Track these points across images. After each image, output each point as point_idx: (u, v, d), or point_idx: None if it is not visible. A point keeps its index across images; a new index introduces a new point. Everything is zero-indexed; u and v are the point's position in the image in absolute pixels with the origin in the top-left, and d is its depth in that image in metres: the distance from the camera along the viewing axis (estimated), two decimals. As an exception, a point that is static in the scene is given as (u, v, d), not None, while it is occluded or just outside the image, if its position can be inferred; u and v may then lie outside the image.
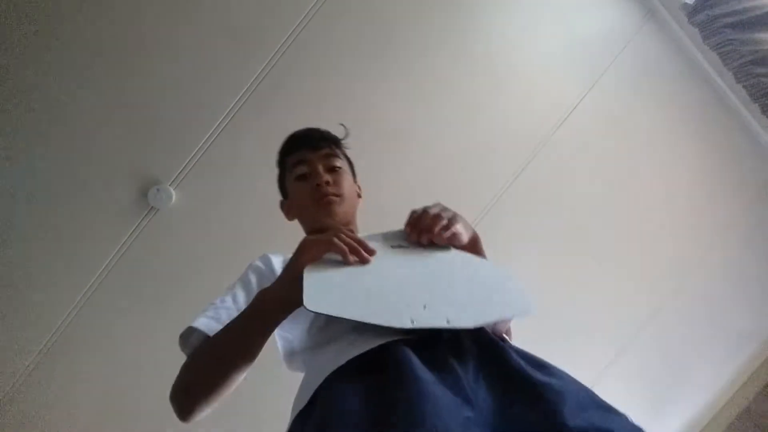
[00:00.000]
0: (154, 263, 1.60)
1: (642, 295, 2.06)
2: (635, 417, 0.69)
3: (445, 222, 0.77)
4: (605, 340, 2.05)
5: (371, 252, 0.71)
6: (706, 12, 1.64)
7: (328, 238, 0.70)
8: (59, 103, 1.46)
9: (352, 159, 1.27)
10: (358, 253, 0.69)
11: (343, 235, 0.71)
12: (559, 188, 1.86)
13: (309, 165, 1.00)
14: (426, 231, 0.76)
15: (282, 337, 0.91)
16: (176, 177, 1.56)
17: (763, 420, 2.25)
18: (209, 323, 0.83)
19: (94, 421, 1.66)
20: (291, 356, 0.90)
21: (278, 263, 0.97)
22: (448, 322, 0.63)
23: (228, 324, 0.76)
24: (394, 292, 0.68)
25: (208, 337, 0.81)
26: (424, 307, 0.66)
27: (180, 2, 1.48)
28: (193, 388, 0.82)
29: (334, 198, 0.96)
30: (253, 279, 0.93)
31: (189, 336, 0.85)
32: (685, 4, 1.70)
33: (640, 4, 1.78)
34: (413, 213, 0.81)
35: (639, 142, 1.91)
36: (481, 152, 1.77)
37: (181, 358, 0.85)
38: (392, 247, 0.79)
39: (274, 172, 1.69)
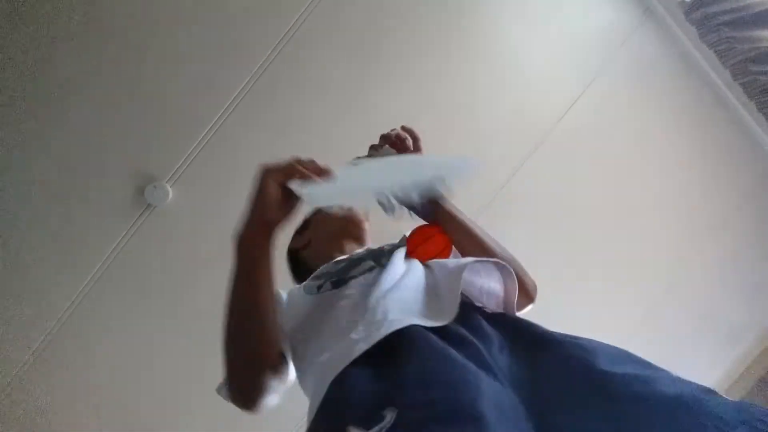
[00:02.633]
0: (151, 260, 1.60)
1: (637, 291, 2.07)
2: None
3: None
4: (600, 336, 2.06)
5: (328, 169, 0.73)
6: (703, 10, 1.65)
7: (287, 163, 0.72)
8: (56, 101, 1.45)
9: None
10: (321, 170, 0.72)
11: (297, 161, 0.72)
12: (556, 185, 1.87)
13: None
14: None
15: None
16: (173, 174, 1.56)
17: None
18: None
19: (90, 418, 1.66)
20: (298, 358, 0.78)
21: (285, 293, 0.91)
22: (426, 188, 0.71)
23: (229, 291, 0.72)
24: (372, 181, 0.75)
25: None
26: (401, 188, 0.72)
27: (178, 2, 1.47)
28: (237, 370, 0.73)
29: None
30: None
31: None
32: (683, 2, 1.70)
33: (638, 2, 1.78)
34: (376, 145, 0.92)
35: (636, 139, 1.92)
36: (478, 149, 1.77)
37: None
38: (348, 163, 0.85)
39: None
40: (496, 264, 0.71)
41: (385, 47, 1.64)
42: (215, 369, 1.84)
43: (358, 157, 0.91)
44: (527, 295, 0.84)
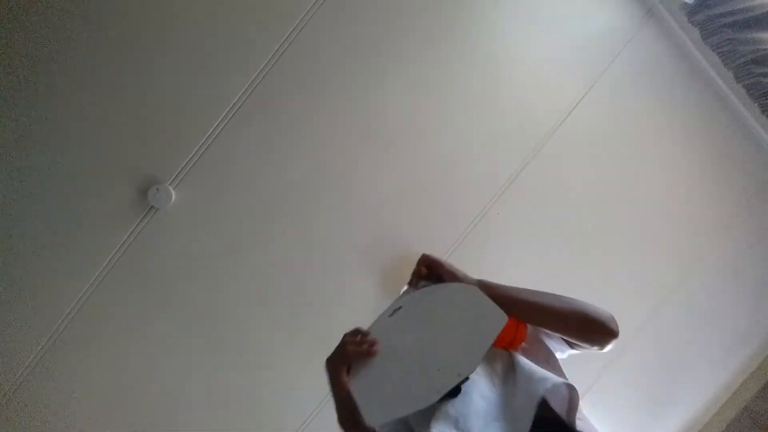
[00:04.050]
0: (153, 263, 1.60)
1: (640, 295, 2.06)
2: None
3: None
4: (605, 340, 2.05)
5: (374, 342, 0.88)
6: (706, 11, 1.64)
7: (340, 352, 0.89)
8: (59, 103, 1.46)
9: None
10: (368, 349, 0.87)
11: (349, 342, 0.89)
12: (558, 188, 1.86)
13: None
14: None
15: None
16: (176, 176, 1.56)
17: (762, 419, 2.26)
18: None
19: (93, 420, 1.66)
20: None
21: None
22: (459, 376, 0.78)
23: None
24: (415, 373, 0.84)
25: None
26: (438, 370, 0.81)
27: (180, 3, 1.48)
28: None
29: None
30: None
31: None
32: (685, 3, 1.70)
33: (640, 4, 1.78)
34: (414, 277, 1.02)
35: (638, 141, 1.91)
36: (481, 151, 1.77)
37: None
38: (390, 317, 0.96)
39: (274, 171, 1.70)
40: (566, 385, 0.80)
41: (387, 51, 1.64)
42: (217, 371, 1.85)
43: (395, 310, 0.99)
44: (606, 330, 0.91)
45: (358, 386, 0.86)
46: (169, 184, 1.56)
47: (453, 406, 0.80)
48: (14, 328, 1.55)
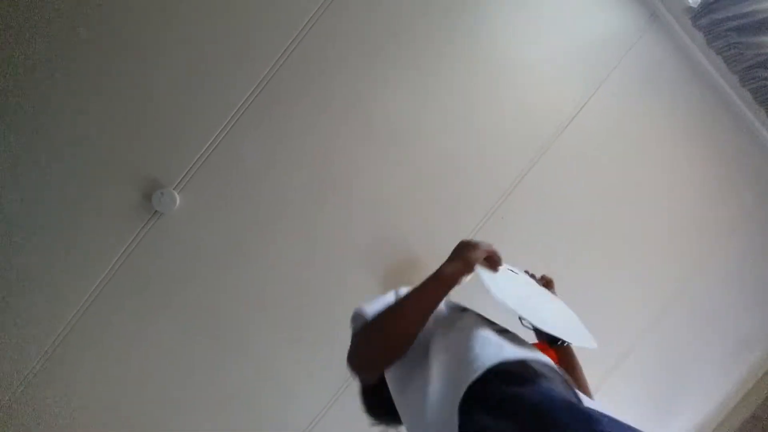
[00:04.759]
0: (158, 267, 1.61)
1: (645, 300, 2.05)
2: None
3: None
4: (608, 345, 2.04)
5: (500, 259, 0.99)
6: (711, 15, 1.64)
7: (487, 246, 0.97)
8: (63, 107, 1.47)
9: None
10: (498, 260, 0.98)
11: (487, 245, 0.98)
12: (562, 191, 1.86)
13: None
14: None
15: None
16: (180, 181, 1.57)
17: (770, 426, 2.23)
18: (371, 310, 0.99)
19: (98, 423, 1.66)
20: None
21: None
22: (579, 338, 0.99)
23: (402, 299, 0.94)
24: (542, 310, 1.02)
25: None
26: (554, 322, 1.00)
27: (184, 7, 1.48)
28: (371, 350, 0.93)
29: None
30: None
31: (356, 318, 1.00)
32: (690, 7, 1.70)
33: (644, 7, 1.78)
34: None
35: (643, 145, 1.91)
36: (486, 154, 1.77)
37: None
38: (508, 268, 1.06)
39: (278, 175, 1.70)
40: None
41: (391, 55, 1.64)
42: (221, 373, 1.84)
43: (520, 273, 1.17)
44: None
45: (485, 274, 0.94)
46: (174, 189, 1.56)
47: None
48: (18, 332, 1.56)
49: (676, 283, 2.06)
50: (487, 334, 0.85)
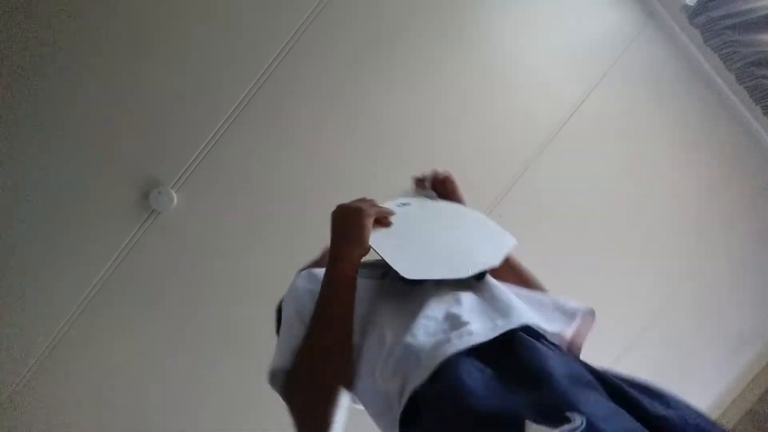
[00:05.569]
0: (155, 266, 1.60)
1: (644, 297, 2.05)
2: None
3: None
4: (607, 342, 2.04)
5: (390, 213, 0.85)
6: (707, 14, 1.64)
7: (365, 207, 0.81)
8: (60, 105, 1.46)
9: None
10: (387, 216, 0.84)
11: (366, 203, 0.83)
12: (560, 190, 1.86)
13: None
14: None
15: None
16: (178, 180, 1.56)
17: (766, 423, 2.24)
18: (283, 356, 0.78)
19: (96, 421, 1.65)
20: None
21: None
22: (483, 264, 0.80)
23: (313, 313, 0.76)
24: (445, 248, 0.84)
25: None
26: (462, 254, 0.82)
27: (182, 5, 1.48)
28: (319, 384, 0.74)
29: None
30: (305, 301, 0.86)
31: (274, 378, 0.79)
32: (686, 5, 1.70)
33: (641, 6, 1.78)
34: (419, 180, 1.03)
35: (640, 144, 1.91)
36: (483, 153, 1.77)
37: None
38: (397, 205, 0.93)
39: (276, 173, 1.70)
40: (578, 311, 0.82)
41: (390, 55, 1.64)
42: (219, 373, 1.84)
43: (404, 200, 0.99)
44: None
45: (381, 242, 0.77)
46: (171, 187, 1.56)
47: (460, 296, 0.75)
48: (16, 332, 1.55)
49: (674, 280, 2.07)
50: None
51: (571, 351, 0.78)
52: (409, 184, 1.08)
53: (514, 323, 0.67)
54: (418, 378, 0.60)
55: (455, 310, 0.71)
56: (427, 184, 1.03)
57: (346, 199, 0.92)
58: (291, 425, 0.73)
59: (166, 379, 1.67)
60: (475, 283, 0.80)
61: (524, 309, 0.73)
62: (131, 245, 1.57)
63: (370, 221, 0.79)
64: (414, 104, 1.69)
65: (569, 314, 0.80)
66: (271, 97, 1.57)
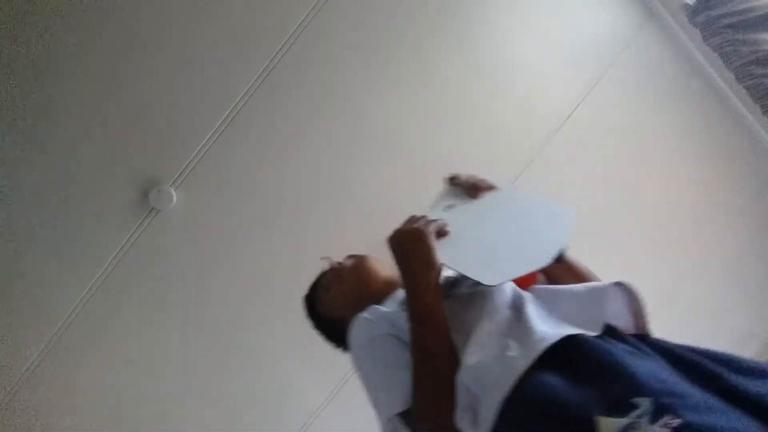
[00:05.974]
0: (155, 264, 1.60)
1: (642, 296, 2.05)
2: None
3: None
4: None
5: (444, 224, 0.84)
6: (707, 12, 1.64)
7: (422, 226, 0.79)
8: (60, 104, 1.46)
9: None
10: (443, 227, 0.83)
11: (418, 221, 0.82)
12: (559, 189, 1.86)
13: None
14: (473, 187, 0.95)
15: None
16: (177, 178, 1.56)
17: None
18: (389, 399, 0.77)
19: (95, 420, 1.65)
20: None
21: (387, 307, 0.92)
22: (548, 253, 0.78)
23: (414, 354, 0.75)
24: (511, 242, 0.83)
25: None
26: (535, 242, 0.80)
27: (180, 5, 1.48)
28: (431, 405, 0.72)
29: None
30: (383, 340, 0.84)
31: (390, 422, 0.76)
32: (686, 4, 1.70)
33: (641, 5, 1.78)
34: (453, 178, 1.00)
35: (639, 142, 1.91)
36: (481, 153, 1.77)
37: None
38: (444, 210, 0.92)
39: (275, 172, 1.70)
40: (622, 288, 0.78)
41: (389, 55, 1.64)
42: (219, 372, 1.84)
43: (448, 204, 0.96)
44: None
45: (452, 258, 0.76)
46: (171, 186, 1.56)
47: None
48: (14, 331, 1.55)
49: (672, 280, 2.07)
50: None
51: (639, 330, 0.78)
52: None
53: (567, 331, 0.67)
54: (498, 395, 0.61)
55: (515, 322, 0.72)
56: (459, 180, 1.01)
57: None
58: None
59: (165, 376, 1.67)
60: (522, 291, 0.80)
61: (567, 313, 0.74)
62: (131, 243, 1.58)
63: (433, 240, 0.78)
64: (414, 104, 1.69)
65: (600, 296, 0.78)
66: (271, 95, 1.57)
